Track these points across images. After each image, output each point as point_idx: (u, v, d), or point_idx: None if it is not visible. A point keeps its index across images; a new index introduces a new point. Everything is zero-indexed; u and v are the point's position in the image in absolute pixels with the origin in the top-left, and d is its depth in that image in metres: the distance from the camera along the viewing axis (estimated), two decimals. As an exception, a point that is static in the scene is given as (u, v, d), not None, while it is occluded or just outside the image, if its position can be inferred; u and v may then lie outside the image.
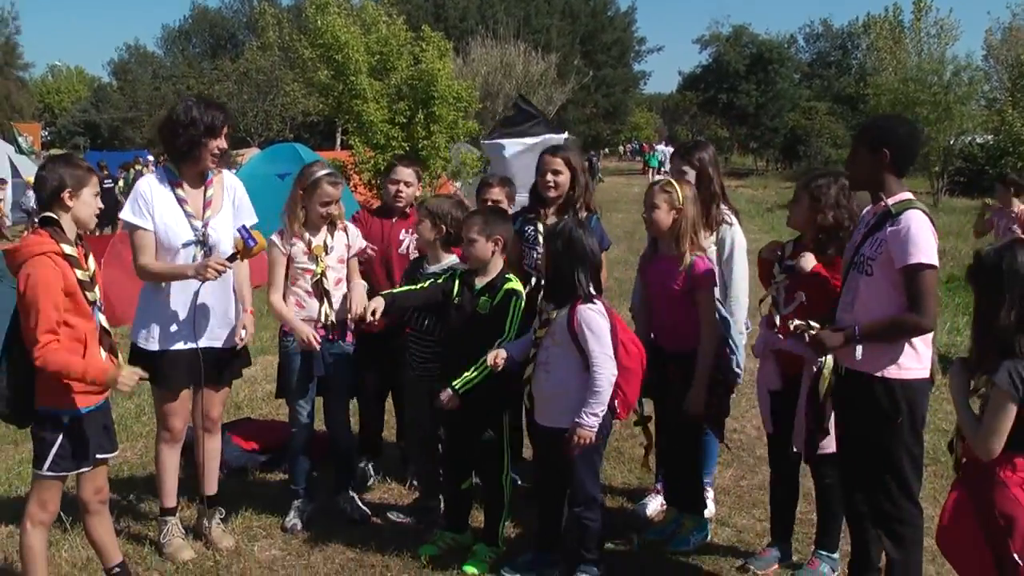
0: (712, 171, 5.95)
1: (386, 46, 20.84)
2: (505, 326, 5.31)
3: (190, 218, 5.36)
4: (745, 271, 5.92)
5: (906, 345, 4.43)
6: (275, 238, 5.82)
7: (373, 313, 5.37)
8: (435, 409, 5.48)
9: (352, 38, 20.13)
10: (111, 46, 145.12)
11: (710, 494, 6.21)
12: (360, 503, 6.13)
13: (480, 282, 5.41)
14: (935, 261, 4.33)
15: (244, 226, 5.37)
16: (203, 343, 5.40)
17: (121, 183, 26.99)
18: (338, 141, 43.76)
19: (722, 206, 5.96)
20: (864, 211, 4.80)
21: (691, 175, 5.86)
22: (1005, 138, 33.29)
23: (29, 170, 25.92)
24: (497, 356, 5.14)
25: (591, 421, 4.89)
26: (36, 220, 4.67)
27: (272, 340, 10.79)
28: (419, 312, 5.71)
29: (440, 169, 21.02)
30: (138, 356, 5.37)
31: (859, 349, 4.47)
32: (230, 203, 5.56)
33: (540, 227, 5.97)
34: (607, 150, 71.79)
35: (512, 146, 6.93)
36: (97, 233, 17.31)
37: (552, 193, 5.96)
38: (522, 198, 6.40)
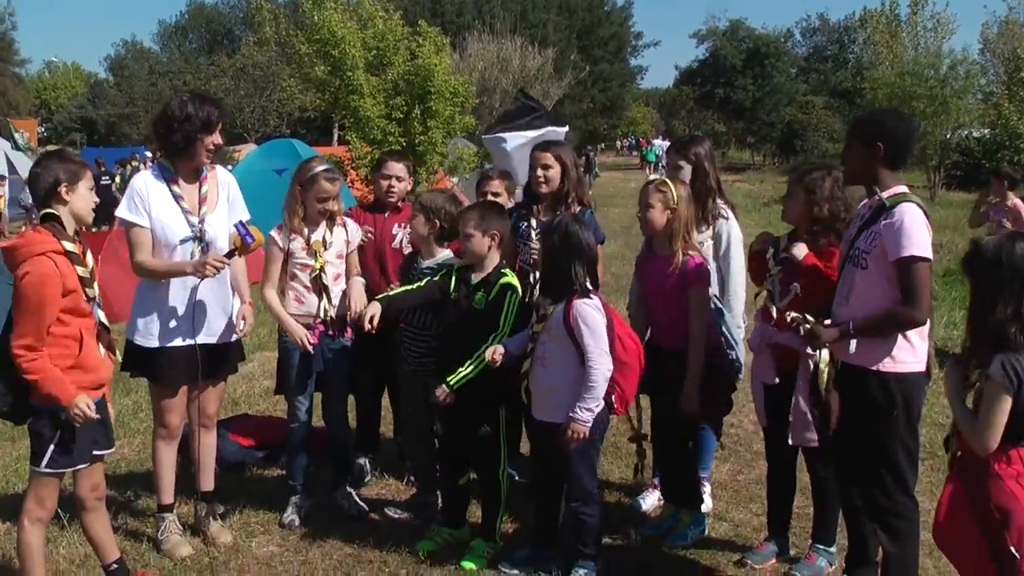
0: (708, 165, 5.96)
1: (383, 41, 20.84)
2: (500, 321, 5.31)
3: (186, 214, 5.35)
4: (742, 265, 5.92)
5: (901, 338, 4.44)
6: (274, 233, 5.83)
7: (371, 320, 5.37)
8: (431, 404, 5.49)
9: (349, 33, 20.14)
10: (107, 42, 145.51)
11: (707, 489, 6.22)
12: (358, 499, 6.14)
13: (476, 277, 5.41)
14: (928, 254, 4.35)
15: (242, 222, 5.37)
16: (200, 339, 5.40)
17: (118, 179, 27.00)
18: (335, 137, 43.70)
19: (718, 200, 5.96)
20: (860, 205, 4.80)
21: (687, 169, 5.87)
22: (1001, 132, 33.27)
23: (26, 166, 25.82)
24: (495, 352, 5.14)
25: (585, 416, 4.89)
26: (35, 217, 4.66)
27: (269, 336, 10.81)
28: (415, 308, 5.71)
29: (437, 164, 21.03)
30: (135, 353, 5.37)
31: (853, 343, 4.49)
32: (225, 199, 5.56)
33: (533, 222, 5.97)
34: (603, 145, 71.70)
35: (514, 139, 6.90)
36: (94, 230, 17.27)
37: (543, 188, 5.97)
38: None
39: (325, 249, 5.81)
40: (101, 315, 4.62)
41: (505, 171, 6.70)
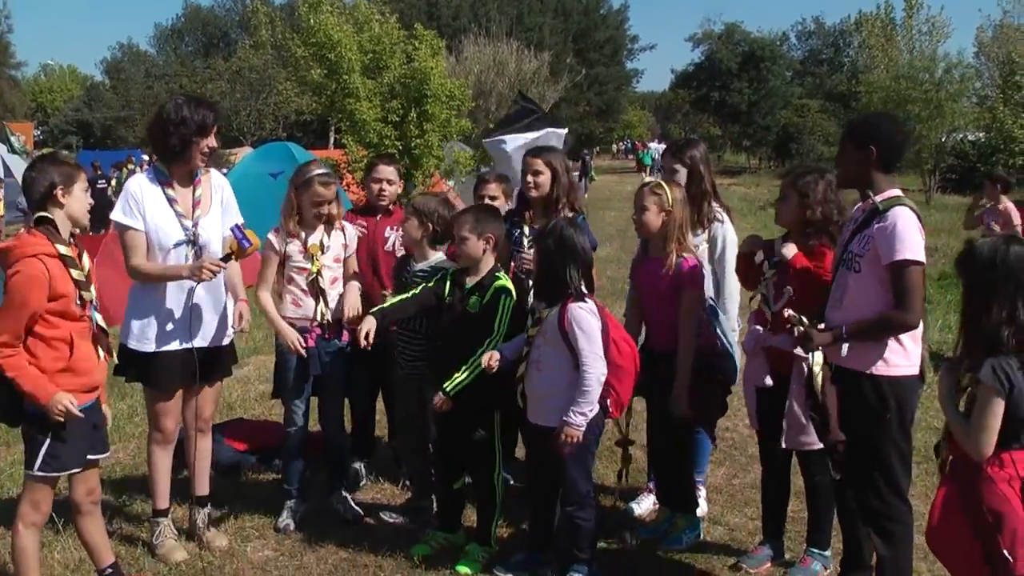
0: (703, 169, 5.97)
1: (379, 44, 20.82)
2: (495, 325, 5.31)
3: (180, 218, 5.35)
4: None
5: (894, 342, 4.44)
6: (271, 236, 5.84)
7: (366, 336, 5.36)
8: (426, 408, 5.49)
9: (345, 36, 20.12)
10: (103, 45, 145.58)
11: (702, 493, 6.22)
12: (353, 503, 6.13)
13: (470, 281, 5.41)
14: (921, 257, 4.35)
15: (238, 226, 5.37)
16: (196, 343, 5.39)
17: (114, 183, 26.97)
18: (331, 140, 43.67)
19: (713, 204, 5.97)
20: (854, 208, 4.81)
21: (682, 173, 5.88)
22: (996, 135, 33.39)
23: (21, 169, 25.75)
24: (491, 358, 5.15)
25: (579, 420, 4.89)
26: (30, 221, 4.67)
27: (265, 340, 10.81)
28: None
29: (433, 168, 21.02)
30: (129, 357, 5.37)
31: (845, 346, 4.49)
32: (219, 202, 5.56)
33: (526, 229, 5.98)
34: (598, 148, 71.73)
35: (514, 141, 6.91)
36: (90, 233, 17.25)
37: (533, 194, 5.98)
38: None
39: (322, 253, 5.81)
40: (99, 318, 4.62)
41: (502, 174, 6.70)
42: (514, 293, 5.40)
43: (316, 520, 5.98)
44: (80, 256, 4.56)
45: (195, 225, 5.38)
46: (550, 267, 5.05)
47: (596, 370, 4.90)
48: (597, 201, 31.74)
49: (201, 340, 5.43)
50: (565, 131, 7.51)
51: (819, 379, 4.75)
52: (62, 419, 4.36)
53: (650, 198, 5.45)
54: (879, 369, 4.45)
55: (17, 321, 4.29)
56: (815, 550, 5.31)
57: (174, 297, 5.34)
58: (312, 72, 21.09)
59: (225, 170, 20.06)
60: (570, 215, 5.78)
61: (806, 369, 4.81)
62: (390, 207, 6.54)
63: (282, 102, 51.15)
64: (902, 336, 4.45)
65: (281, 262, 5.85)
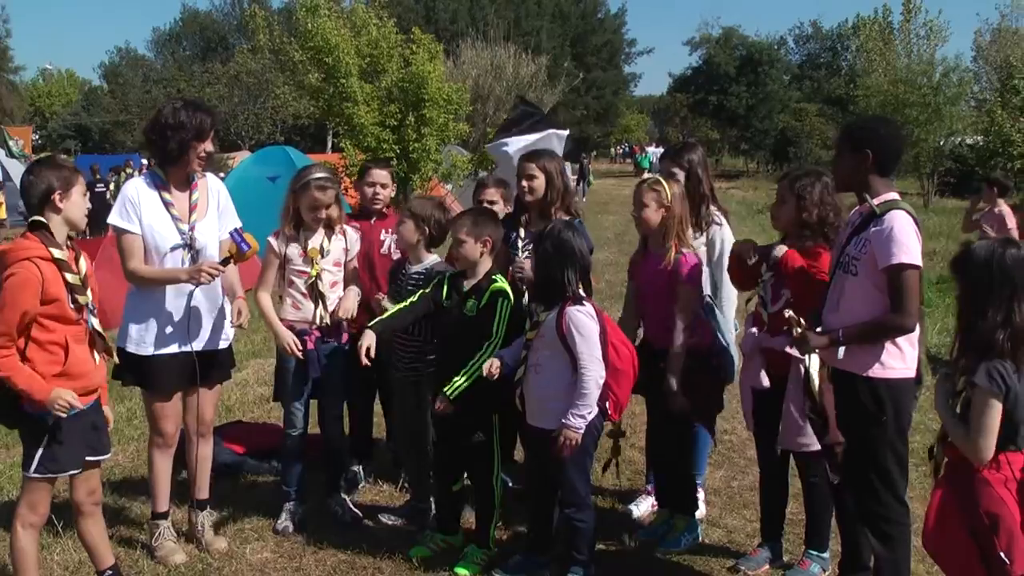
0: (701, 172, 5.99)
1: (376, 49, 20.87)
2: (493, 329, 5.31)
3: (177, 222, 5.36)
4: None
5: (890, 345, 4.45)
6: (271, 239, 5.85)
7: (367, 352, 5.36)
8: (424, 411, 5.50)
9: (342, 41, 20.17)
10: (101, 49, 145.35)
11: (701, 495, 6.22)
12: (352, 505, 6.14)
13: (467, 284, 5.42)
14: (918, 261, 4.35)
15: (237, 230, 5.38)
16: (194, 346, 5.40)
17: (112, 187, 26.95)
18: (329, 144, 43.74)
19: (711, 207, 5.99)
20: (851, 212, 4.82)
21: (680, 176, 5.89)
22: (994, 139, 33.44)
23: (20, 173, 25.79)
24: (492, 366, 5.15)
25: (578, 423, 4.90)
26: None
27: (264, 343, 10.82)
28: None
29: (431, 172, 21.05)
30: (127, 361, 5.37)
31: (841, 350, 4.50)
32: (215, 206, 5.57)
33: (521, 232, 5.99)
34: (595, 152, 71.79)
35: (516, 143, 6.93)
36: (88, 236, 17.26)
37: (528, 198, 5.99)
38: None
39: (322, 256, 5.82)
40: (95, 322, 4.62)
41: (501, 179, 6.71)
42: (511, 296, 5.41)
43: (315, 522, 5.98)
44: (77, 259, 4.57)
45: (191, 229, 5.39)
46: (548, 270, 5.05)
47: (594, 373, 4.90)
48: (595, 205, 31.79)
49: (198, 343, 5.43)
50: (567, 132, 7.51)
51: (816, 381, 4.76)
52: (65, 415, 4.36)
53: (649, 195, 5.48)
54: (875, 372, 4.46)
55: (8, 323, 4.29)
56: (813, 552, 5.32)
57: (171, 300, 5.34)
58: (310, 76, 21.14)
59: (222, 174, 20.11)
60: (566, 218, 5.79)
61: (802, 370, 4.81)
62: (384, 210, 6.55)
63: (280, 106, 51.23)
64: (899, 339, 4.46)
65: (281, 265, 5.86)
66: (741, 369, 5.41)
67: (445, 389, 5.25)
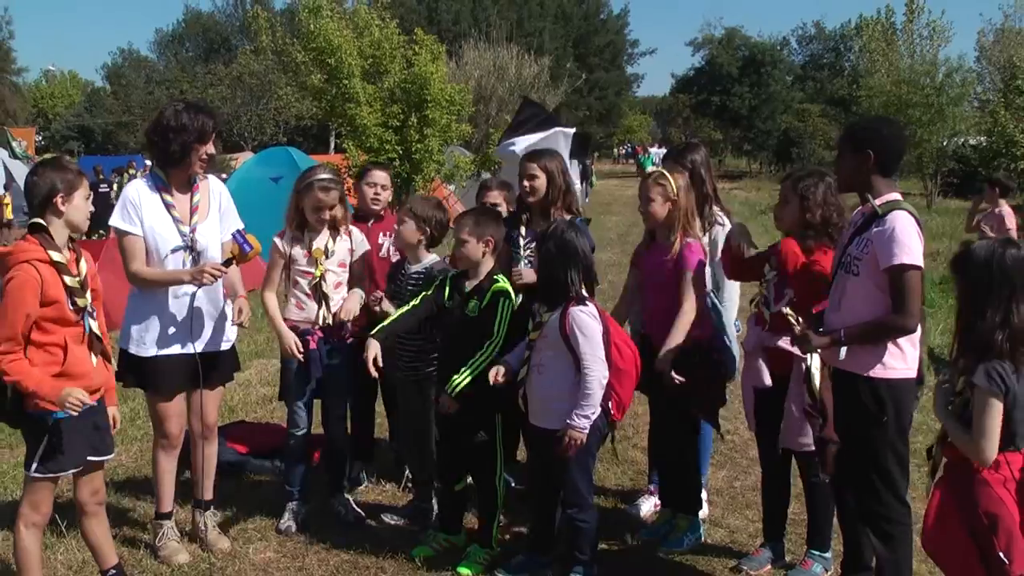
0: (704, 173, 6.00)
1: (379, 50, 20.84)
2: (494, 328, 5.32)
3: (177, 223, 5.37)
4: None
5: (891, 345, 4.46)
6: (276, 239, 5.88)
7: (374, 362, 5.38)
8: (427, 409, 5.51)
9: (345, 42, 20.14)
10: (104, 51, 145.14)
11: (703, 495, 6.23)
12: (355, 505, 6.15)
13: (469, 285, 5.43)
14: (920, 262, 4.36)
15: (239, 231, 5.39)
16: (197, 347, 5.40)
17: (115, 187, 26.98)
18: (331, 145, 43.73)
19: (714, 207, 5.99)
20: (853, 212, 4.83)
21: (683, 177, 5.89)
22: (998, 139, 33.36)
23: (23, 175, 25.78)
24: (497, 373, 5.16)
25: (582, 423, 4.90)
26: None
27: (267, 343, 10.82)
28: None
29: (433, 173, 21.03)
30: (129, 362, 5.38)
31: (843, 350, 4.50)
32: (216, 208, 5.57)
33: (523, 230, 6.00)
34: (597, 153, 71.77)
35: (523, 142, 6.97)
36: (93, 237, 17.28)
37: (530, 199, 5.99)
38: None
39: (326, 257, 5.82)
40: (93, 325, 4.61)
41: (505, 181, 6.72)
42: (513, 295, 5.41)
43: (318, 522, 6.00)
44: (77, 261, 4.58)
45: (192, 231, 5.40)
46: (551, 271, 5.05)
47: (598, 373, 4.91)
48: (598, 205, 31.73)
49: (200, 344, 5.44)
50: (573, 131, 7.52)
51: (816, 378, 4.76)
52: (77, 412, 4.37)
53: (655, 189, 5.49)
54: (876, 372, 4.46)
55: (12, 326, 4.30)
56: (815, 552, 5.32)
57: (173, 302, 5.35)
58: (312, 77, 21.11)
59: (225, 175, 20.13)
60: (567, 218, 5.79)
61: (804, 368, 4.81)
62: (381, 213, 6.56)
63: (283, 107, 51.25)
64: (900, 339, 4.46)
65: (287, 265, 5.88)
66: (743, 368, 5.42)
67: (447, 387, 5.26)
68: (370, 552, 5.59)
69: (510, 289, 5.42)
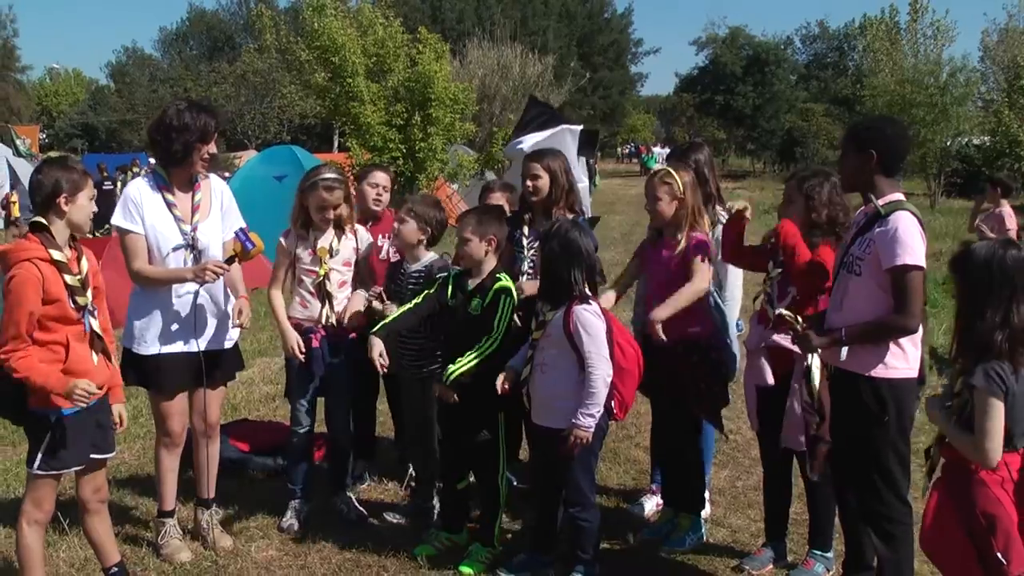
0: (708, 172, 5.99)
1: (383, 48, 20.87)
2: (494, 324, 5.31)
3: (179, 222, 5.37)
4: (739, 271, 5.95)
5: (893, 345, 4.46)
6: (282, 238, 5.92)
7: (380, 357, 5.43)
8: (429, 409, 5.51)
9: (349, 40, 20.17)
10: (109, 49, 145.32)
11: (706, 494, 6.23)
12: (357, 503, 6.15)
13: (472, 283, 5.43)
14: (922, 262, 4.36)
15: (242, 229, 5.39)
16: (200, 345, 5.41)
17: (119, 185, 27.01)
18: (335, 143, 43.75)
19: (718, 207, 5.98)
20: (856, 212, 4.83)
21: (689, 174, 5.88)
22: (1002, 139, 33.34)
23: (27, 173, 25.94)
24: (505, 382, 5.17)
25: (588, 422, 4.90)
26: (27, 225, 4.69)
27: (270, 341, 10.83)
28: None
29: (437, 171, 21.04)
30: (132, 360, 5.38)
31: (844, 350, 4.50)
32: (218, 207, 5.58)
33: (525, 230, 5.99)
34: (600, 153, 71.78)
35: (530, 139, 6.96)
36: (98, 234, 17.30)
37: (533, 199, 5.99)
38: None
39: (331, 256, 5.84)
40: (94, 323, 4.62)
41: (507, 183, 6.72)
42: (515, 293, 5.41)
43: (320, 520, 6.00)
44: (79, 259, 4.59)
45: (194, 229, 5.40)
46: (554, 270, 5.05)
47: (602, 372, 4.90)
48: (602, 205, 31.70)
49: (203, 343, 5.44)
50: (580, 127, 7.51)
51: (816, 377, 4.75)
52: (86, 404, 4.38)
53: (661, 188, 5.49)
54: (878, 372, 4.46)
55: (17, 324, 4.31)
56: (817, 552, 5.32)
57: (175, 299, 5.36)
58: (316, 75, 21.13)
59: (227, 174, 20.13)
60: (570, 216, 5.79)
61: (804, 366, 4.81)
62: (379, 214, 6.57)
63: (286, 106, 51.22)
64: (901, 339, 4.46)
65: (292, 263, 5.89)
66: (746, 367, 5.41)
67: (444, 376, 5.28)
68: (372, 551, 5.60)
69: (512, 287, 5.42)
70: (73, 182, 4.52)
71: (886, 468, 4.50)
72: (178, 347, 5.38)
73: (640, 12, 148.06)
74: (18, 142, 36.63)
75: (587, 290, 5.03)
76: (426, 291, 5.56)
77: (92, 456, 4.66)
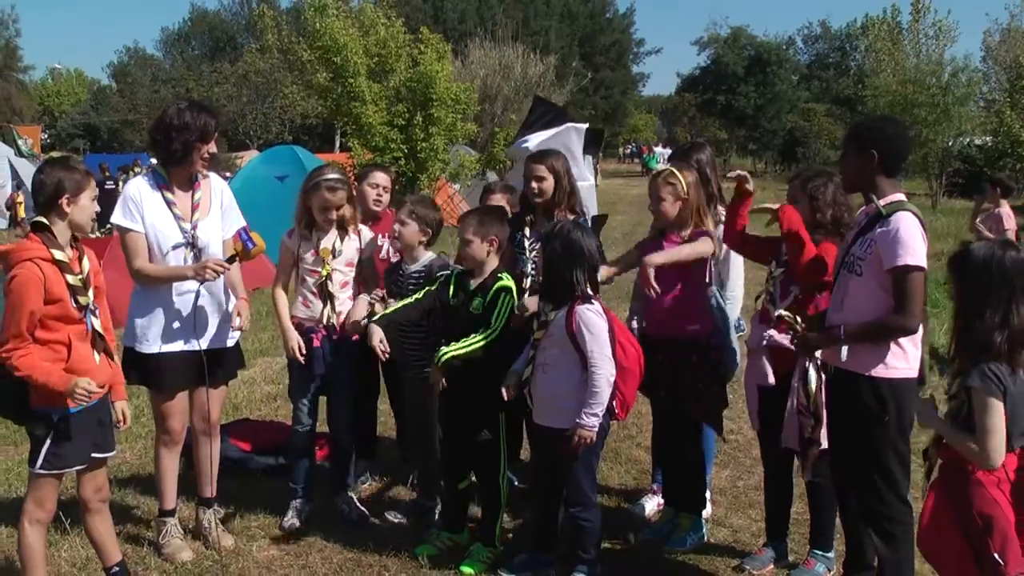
0: (710, 172, 5.99)
1: (384, 48, 20.88)
2: (492, 319, 5.32)
3: (179, 220, 5.38)
4: (741, 270, 5.96)
5: (893, 345, 4.45)
6: (286, 238, 5.95)
7: (381, 343, 5.45)
8: (431, 408, 5.51)
9: (350, 40, 20.18)
10: (110, 49, 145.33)
11: (707, 494, 6.23)
12: (358, 503, 6.16)
13: (474, 283, 5.43)
14: (923, 263, 4.35)
15: (244, 228, 5.40)
16: (201, 344, 5.41)
17: (121, 185, 27.04)
18: (337, 143, 43.78)
19: (719, 207, 5.98)
20: (858, 212, 4.83)
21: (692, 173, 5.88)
22: (1003, 139, 33.31)
23: (29, 173, 26.00)
24: (509, 389, 5.18)
25: (591, 421, 4.90)
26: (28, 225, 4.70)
27: (271, 341, 10.84)
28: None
29: (438, 172, 21.05)
30: (133, 359, 5.39)
31: (844, 350, 4.50)
32: (218, 206, 5.59)
33: (527, 231, 5.99)
34: (601, 153, 71.78)
35: (535, 138, 6.98)
36: (99, 234, 17.33)
37: (537, 200, 5.99)
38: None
39: (333, 257, 5.85)
40: (95, 323, 4.62)
41: (508, 185, 6.73)
42: (515, 292, 5.42)
43: (321, 520, 6.00)
44: (80, 259, 4.59)
45: (194, 228, 5.41)
46: (556, 270, 5.05)
47: (605, 371, 4.90)
48: (603, 205, 31.56)
49: (204, 341, 5.45)
50: (585, 126, 7.51)
51: (813, 380, 4.75)
52: (87, 401, 4.39)
53: (665, 188, 5.49)
54: (878, 372, 4.46)
55: (19, 323, 4.32)
56: (818, 551, 5.32)
57: (176, 298, 5.37)
58: (318, 76, 21.14)
59: (228, 174, 20.14)
60: (571, 217, 5.79)
61: (804, 367, 4.81)
62: (378, 214, 6.57)
63: (288, 106, 51.26)
64: (902, 339, 4.46)
65: (295, 263, 5.91)
66: (747, 366, 5.41)
67: (435, 359, 5.31)
68: (373, 550, 5.60)
69: (512, 286, 5.42)
70: (76, 183, 4.52)
71: (886, 468, 4.50)
72: (179, 346, 5.39)
73: (642, 12, 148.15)
74: (20, 142, 36.68)
75: (589, 290, 5.03)
76: (427, 288, 5.57)
77: (93, 455, 4.67)
